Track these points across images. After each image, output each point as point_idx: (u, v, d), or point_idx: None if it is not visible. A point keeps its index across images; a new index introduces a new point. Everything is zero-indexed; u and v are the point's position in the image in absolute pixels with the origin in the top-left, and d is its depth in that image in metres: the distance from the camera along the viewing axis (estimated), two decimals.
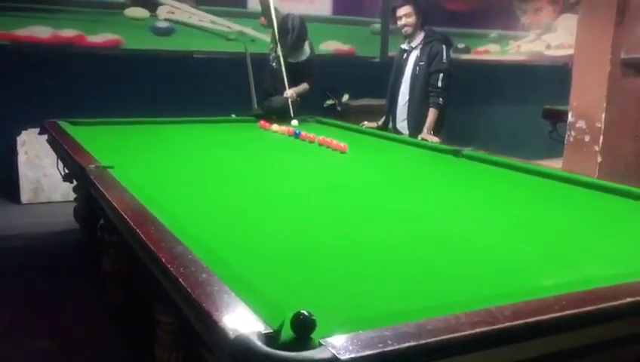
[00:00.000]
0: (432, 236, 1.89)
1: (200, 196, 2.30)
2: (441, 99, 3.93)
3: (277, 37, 4.42)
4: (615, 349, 1.33)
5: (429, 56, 3.97)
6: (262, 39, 5.71)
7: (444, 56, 3.96)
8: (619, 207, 2.28)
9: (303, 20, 4.49)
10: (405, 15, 4.05)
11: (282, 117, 4.23)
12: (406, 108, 4.13)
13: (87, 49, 5.36)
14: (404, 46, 4.17)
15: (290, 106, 4.37)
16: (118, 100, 5.16)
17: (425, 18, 4.08)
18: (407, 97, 4.11)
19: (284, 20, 4.43)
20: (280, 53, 4.45)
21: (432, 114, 3.93)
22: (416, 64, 4.05)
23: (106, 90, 5.30)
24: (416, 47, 4.07)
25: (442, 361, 1.10)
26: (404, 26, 4.07)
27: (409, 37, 4.10)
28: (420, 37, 4.07)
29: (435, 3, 6.84)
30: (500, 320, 1.16)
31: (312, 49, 4.63)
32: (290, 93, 4.43)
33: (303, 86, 4.59)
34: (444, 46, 3.99)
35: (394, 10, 4.18)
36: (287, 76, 4.43)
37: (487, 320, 1.16)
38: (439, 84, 3.93)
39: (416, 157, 3.34)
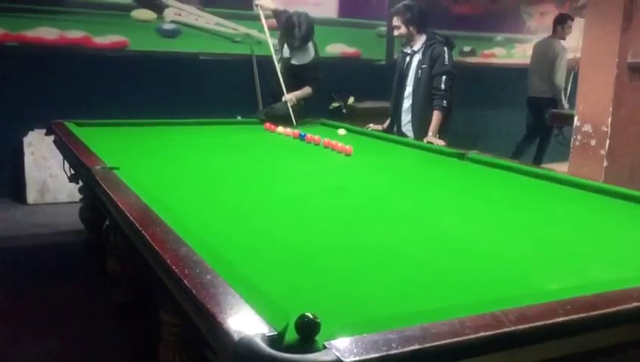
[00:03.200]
0: (437, 239, 1.88)
1: (205, 197, 2.31)
2: (445, 101, 3.93)
3: (284, 32, 4.36)
4: (620, 354, 1.33)
5: (431, 59, 3.98)
6: (268, 41, 5.71)
7: (447, 59, 3.96)
8: (625, 210, 2.27)
9: (309, 15, 4.41)
10: (395, 27, 4.12)
11: (286, 122, 4.20)
12: (410, 112, 4.13)
13: (94, 50, 5.38)
14: (407, 50, 4.17)
15: (292, 113, 4.28)
16: (124, 101, 5.18)
17: (424, 20, 4.08)
18: (411, 100, 4.11)
19: (289, 18, 4.38)
20: (284, 55, 4.44)
21: (436, 117, 3.93)
22: (418, 67, 4.05)
23: (112, 92, 5.32)
24: (418, 51, 4.07)
25: None
26: (398, 35, 4.15)
27: (408, 42, 4.12)
28: (421, 40, 4.07)
29: (441, 6, 6.84)
30: (504, 324, 1.16)
31: (316, 51, 4.55)
32: (289, 97, 4.34)
33: (306, 90, 4.47)
34: (445, 48, 3.99)
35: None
36: (289, 79, 4.38)
37: (492, 324, 1.15)
38: (442, 86, 3.93)
39: (422, 160, 3.34)
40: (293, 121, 4.26)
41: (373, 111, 5.72)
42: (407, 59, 4.15)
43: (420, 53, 4.06)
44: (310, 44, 4.47)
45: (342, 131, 4.03)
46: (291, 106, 4.32)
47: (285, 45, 4.47)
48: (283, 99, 4.36)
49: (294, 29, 4.31)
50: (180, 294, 1.36)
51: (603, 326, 1.26)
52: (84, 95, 5.19)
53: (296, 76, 4.44)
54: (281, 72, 4.43)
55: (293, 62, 4.44)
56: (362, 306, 1.34)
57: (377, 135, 4.05)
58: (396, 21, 4.08)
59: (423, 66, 4.01)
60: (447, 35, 4.16)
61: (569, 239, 1.94)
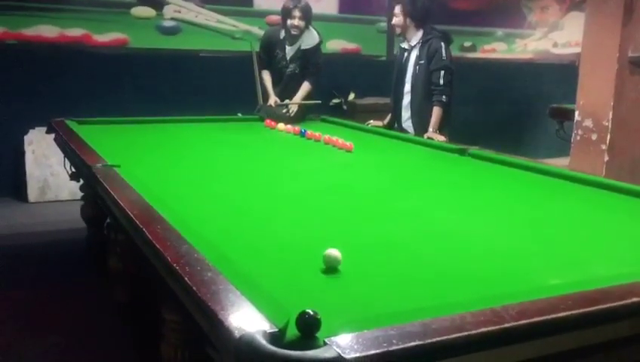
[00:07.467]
0: (438, 235, 1.88)
1: (206, 195, 2.31)
2: (444, 96, 3.92)
3: (283, 21, 4.37)
4: (621, 349, 1.33)
5: (429, 55, 3.96)
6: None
7: (444, 54, 3.94)
8: (626, 205, 2.27)
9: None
10: (394, 15, 4.09)
11: (289, 120, 4.20)
12: (410, 108, 4.12)
13: (94, 48, 5.38)
14: (404, 45, 4.16)
15: (291, 111, 4.38)
16: (125, 99, 5.18)
17: (424, 16, 4.06)
18: (411, 96, 4.10)
19: (283, 5, 4.40)
20: (288, 56, 4.43)
21: (436, 112, 3.92)
22: (416, 63, 4.04)
23: (113, 89, 5.32)
24: (415, 46, 4.06)
25: (447, 361, 1.09)
26: (394, 23, 4.12)
27: (403, 36, 4.11)
28: (418, 35, 4.06)
29: (442, 1, 6.83)
30: (505, 319, 1.16)
31: (320, 35, 4.54)
32: (291, 102, 4.40)
33: (305, 87, 4.48)
34: (442, 43, 3.97)
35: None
36: (293, 83, 4.43)
37: (492, 320, 1.15)
38: (441, 81, 3.92)
39: (422, 156, 3.33)
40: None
41: (373, 107, 5.71)
42: (405, 54, 4.14)
43: (417, 48, 4.05)
44: (312, 28, 4.48)
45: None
46: (293, 110, 4.38)
47: (287, 46, 4.45)
48: (286, 102, 4.42)
49: (291, 7, 4.31)
50: (181, 291, 1.36)
51: (604, 322, 1.26)
52: (85, 93, 5.19)
53: (300, 60, 4.46)
54: (285, 72, 4.47)
55: (303, 47, 4.43)
56: (363, 302, 1.34)
57: (378, 131, 4.05)
58: (397, 9, 4.06)
59: (421, 62, 4.01)
60: (444, 30, 4.15)
61: (570, 234, 1.94)
